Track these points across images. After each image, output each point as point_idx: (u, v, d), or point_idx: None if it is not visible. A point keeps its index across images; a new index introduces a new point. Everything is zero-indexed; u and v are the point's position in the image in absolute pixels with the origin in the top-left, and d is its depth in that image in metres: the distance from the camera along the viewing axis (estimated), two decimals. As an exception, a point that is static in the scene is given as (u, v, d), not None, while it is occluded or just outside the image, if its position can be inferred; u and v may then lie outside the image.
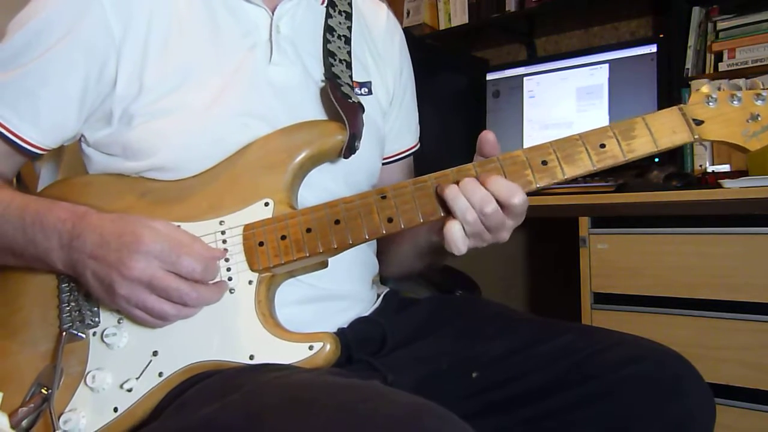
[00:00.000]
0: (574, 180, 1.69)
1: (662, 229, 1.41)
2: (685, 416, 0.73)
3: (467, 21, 2.24)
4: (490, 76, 2.15)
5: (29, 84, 0.78)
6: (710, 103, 0.77)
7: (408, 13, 2.42)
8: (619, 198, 1.48)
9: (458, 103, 2.19)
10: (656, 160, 1.79)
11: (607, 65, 1.91)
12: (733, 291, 1.32)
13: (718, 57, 1.77)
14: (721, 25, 1.75)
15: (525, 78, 2.07)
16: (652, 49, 1.84)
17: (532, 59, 2.21)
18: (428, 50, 2.19)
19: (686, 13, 1.81)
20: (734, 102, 0.77)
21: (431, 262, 0.98)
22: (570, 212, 1.52)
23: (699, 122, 0.76)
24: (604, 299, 1.49)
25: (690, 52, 1.80)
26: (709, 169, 1.66)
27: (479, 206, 0.71)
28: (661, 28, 2.00)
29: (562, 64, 2.00)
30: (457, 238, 0.72)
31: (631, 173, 1.84)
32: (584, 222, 1.50)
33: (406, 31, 2.23)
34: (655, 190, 1.45)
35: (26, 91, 0.78)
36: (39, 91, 0.78)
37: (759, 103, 0.77)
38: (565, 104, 1.97)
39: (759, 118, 0.76)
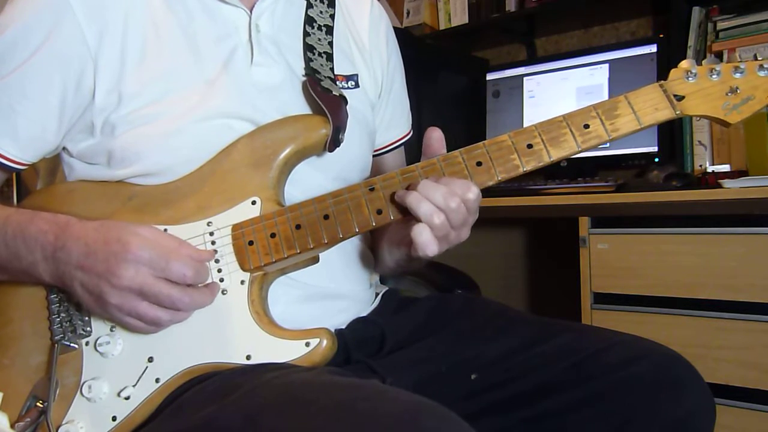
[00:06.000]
0: (574, 179, 1.71)
1: (662, 229, 1.41)
2: (685, 416, 0.72)
3: (467, 21, 2.23)
4: (490, 76, 2.15)
5: (6, 99, 0.77)
6: (690, 78, 0.76)
7: (408, 13, 2.42)
8: (619, 198, 1.47)
9: (458, 103, 2.19)
10: (656, 160, 1.79)
11: (607, 65, 1.91)
12: (733, 291, 1.32)
13: (718, 57, 1.76)
14: (721, 25, 1.74)
15: (525, 78, 2.07)
16: (652, 49, 1.84)
17: (532, 59, 2.20)
18: (428, 50, 2.18)
19: (686, 13, 1.80)
20: (713, 76, 0.77)
21: (407, 270, 0.97)
22: (570, 212, 1.52)
23: (680, 98, 0.76)
24: (604, 299, 1.49)
25: (690, 52, 1.79)
26: (709, 169, 1.65)
27: (444, 203, 0.70)
28: (661, 28, 1.99)
29: (562, 64, 2.00)
30: (427, 240, 0.71)
31: (631, 173, 1.84)
32: (584, 222, 1.50)
33: (406, 31, 2.24)
34: (655, 190, 1.45)
35: (3, 107, 0.77)
36: (17, 107, 0.77)
37: (737, 76, 0.76)
38: (565, 104, 1.97)
39: (738, 91, 0.76)
